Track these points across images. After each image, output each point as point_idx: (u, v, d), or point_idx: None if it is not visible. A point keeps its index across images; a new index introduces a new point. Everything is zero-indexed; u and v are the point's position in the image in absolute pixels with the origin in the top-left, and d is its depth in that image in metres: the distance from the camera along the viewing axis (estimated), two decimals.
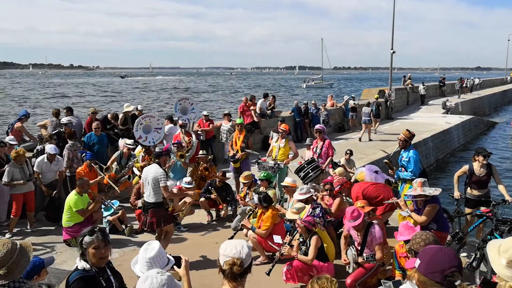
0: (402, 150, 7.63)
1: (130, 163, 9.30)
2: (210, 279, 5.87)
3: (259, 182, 8.36)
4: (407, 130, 7.70)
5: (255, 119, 15.15)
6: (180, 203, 7.83)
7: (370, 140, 17.48)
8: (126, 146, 9.47)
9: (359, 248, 5.59)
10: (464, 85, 35.03)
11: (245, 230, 7.08)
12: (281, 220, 6.94)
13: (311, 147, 9.27)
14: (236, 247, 2.82)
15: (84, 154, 9.23)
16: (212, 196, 8.61)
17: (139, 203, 8.34)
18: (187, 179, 8.56)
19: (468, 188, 7.54)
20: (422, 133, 18.07)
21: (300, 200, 6.84)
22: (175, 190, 7.83)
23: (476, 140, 25.06)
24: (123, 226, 8.04)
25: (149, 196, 6.58)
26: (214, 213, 8.83)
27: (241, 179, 8.57)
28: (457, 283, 2.45)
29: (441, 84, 36.34)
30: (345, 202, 7.48)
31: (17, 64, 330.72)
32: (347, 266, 5.82)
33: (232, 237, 6.70)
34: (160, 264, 3.14)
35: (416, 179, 5.94)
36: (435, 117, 23.95)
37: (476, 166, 7.38)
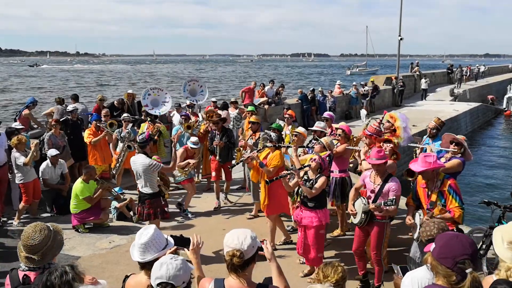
0: (428, 138, 7.30)
1: (125, 132, 9.18)
2: (217, 266, 5.89)
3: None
4: (438, 118, 7.48)
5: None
6: (183, 163, 7.77)
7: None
8: (123, 119, 9.52)
9: (371, 195, 5.25)
10: (464, 73, 33.59)
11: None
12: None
13: None
14: (239, 237, 2.70)
15: (90, 115, 9.78)
16: (212, 159, 8.72)
17: None
18: (194, 139, 8.38)
19: None
20: (429, 120, 17.91)
21: (315, 131, 7.55)
22: (181, 150, 8.00)
23: (484, 128, 24.87)
24: (131, 213, 8.10)
25: (143, 187, 6.34)
26: (222, 197, 8.90)
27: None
28: (468, 271, 2.43)
29: (449, 71, 35.93)
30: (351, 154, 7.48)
31: (24, 52, 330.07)
32: (352, 217, 5.55)
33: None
34: (154, 249, 2.95)
35: (460, 135, 6.12)
36: (443, 104, 23.75)
37: None
